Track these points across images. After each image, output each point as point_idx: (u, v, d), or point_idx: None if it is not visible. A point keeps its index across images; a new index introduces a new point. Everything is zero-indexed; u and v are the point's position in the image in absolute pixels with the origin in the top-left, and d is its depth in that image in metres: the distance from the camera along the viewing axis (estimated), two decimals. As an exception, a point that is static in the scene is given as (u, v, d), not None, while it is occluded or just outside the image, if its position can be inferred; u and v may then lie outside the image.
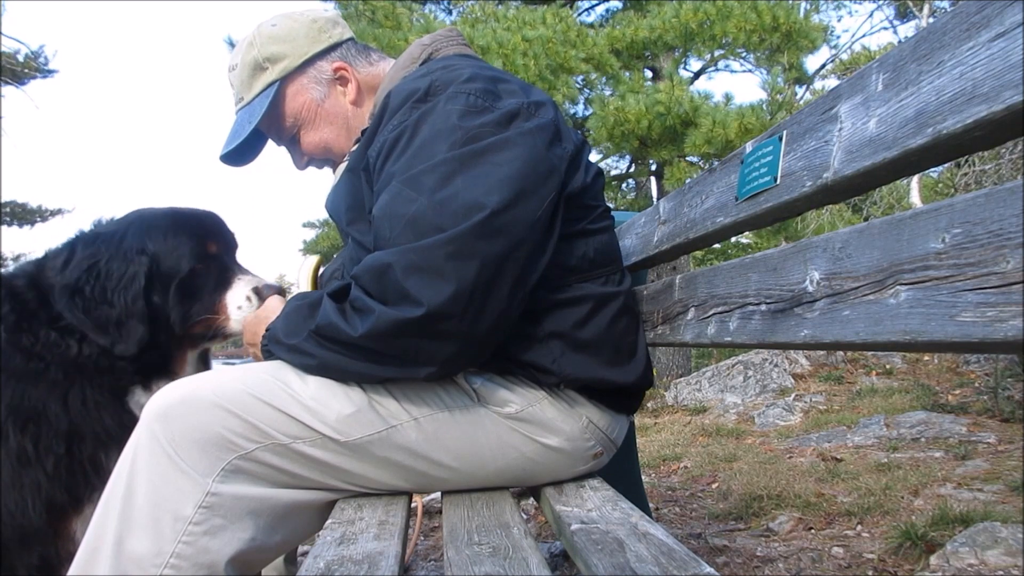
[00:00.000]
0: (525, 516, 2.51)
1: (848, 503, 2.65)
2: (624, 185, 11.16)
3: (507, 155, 1.11)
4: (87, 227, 1.60)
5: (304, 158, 1.56)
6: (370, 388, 1.17)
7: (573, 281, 1.26)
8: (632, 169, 10.38)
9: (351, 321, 1.08)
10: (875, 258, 0.77)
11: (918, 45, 0.75)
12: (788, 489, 2.85)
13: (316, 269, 1.60)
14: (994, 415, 3.98)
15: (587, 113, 8.48)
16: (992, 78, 0.64)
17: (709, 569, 0.79)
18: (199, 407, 1.09)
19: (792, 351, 5.98)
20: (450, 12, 9.64)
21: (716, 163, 1.37)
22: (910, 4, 11.21)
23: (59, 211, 17.51)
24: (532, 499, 2.35)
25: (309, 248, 17.54)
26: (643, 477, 2.73)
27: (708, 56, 9.26)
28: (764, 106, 7.29)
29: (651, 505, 2.79)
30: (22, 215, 17.08)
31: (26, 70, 14.11)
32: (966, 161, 6.20)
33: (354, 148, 1.43)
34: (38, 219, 17.37)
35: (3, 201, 16.30)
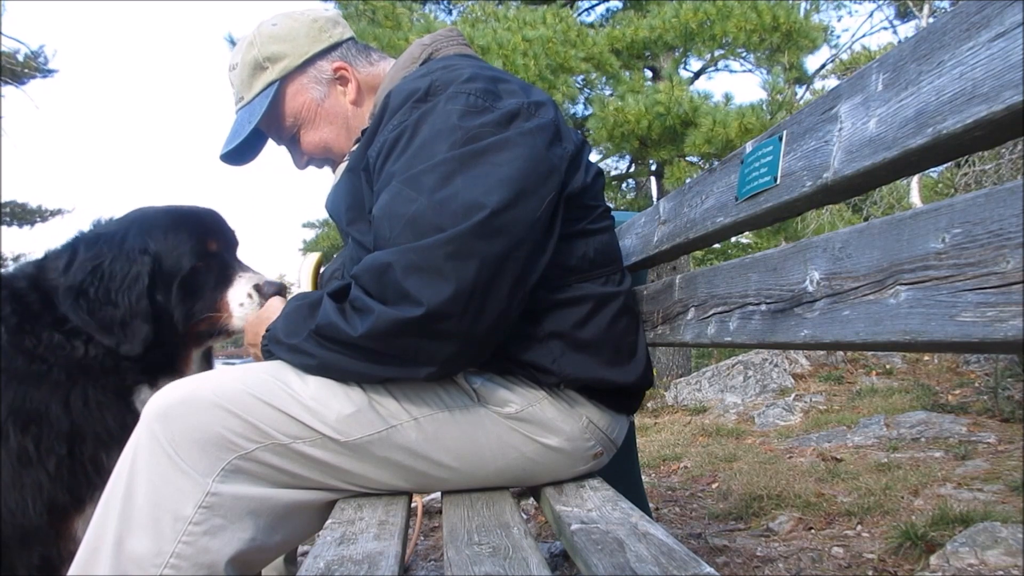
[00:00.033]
0: (525, 516, 2.51)
1: (848, 503, 2.65)
2: (624, 185, 11.16)
3: (507, 155, 1.11)
4: (87, 227, 1.60)
5: (304, 157, 1.56)
6: (370, 388, 1.17)
7: (573, 281, 1.26)
8: (632, 169, 10.38)
9: (351, 321, 1.08)
10: (875, 258, 0.77)
11: (918, 45, 0.75)
12: (788, 489, 2.85)
13: (317, 267, 1.60)
14: (994, 415, 3.98)
15: (587, 113, 8.48)
16: (992, 78, 0.64)
17: (709, 569, 0.79)
18: (199, 407, 1.09)
19: (792, 351, 5.98)
20: (450, 12, 9.64)
21: (716, 163, 1.37)
22: (910, 4, 11.21)
23: (59, 211, 17.53)
24: (532, 499, 2.35)
25: (309, 248, 17.55)
26: (643, 477, 2.73)
27: (708, 56, 9.26)
28: (764, 106, 7.29)
29: (651, 505, 2.79)
30: (22, 215, 17.09)
31: (26, 70, 14.11)
32: (966, 161, 6.20)
33: (354, 148, 1.43)
34: (38, 219, 17.37)
35: (3, 201, 16.30)
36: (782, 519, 2.55)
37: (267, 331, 1.22)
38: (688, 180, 1.79)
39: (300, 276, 1.60)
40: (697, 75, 10.31)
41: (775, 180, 1.05)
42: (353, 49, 1.51)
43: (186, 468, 1.06)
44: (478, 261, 1.03)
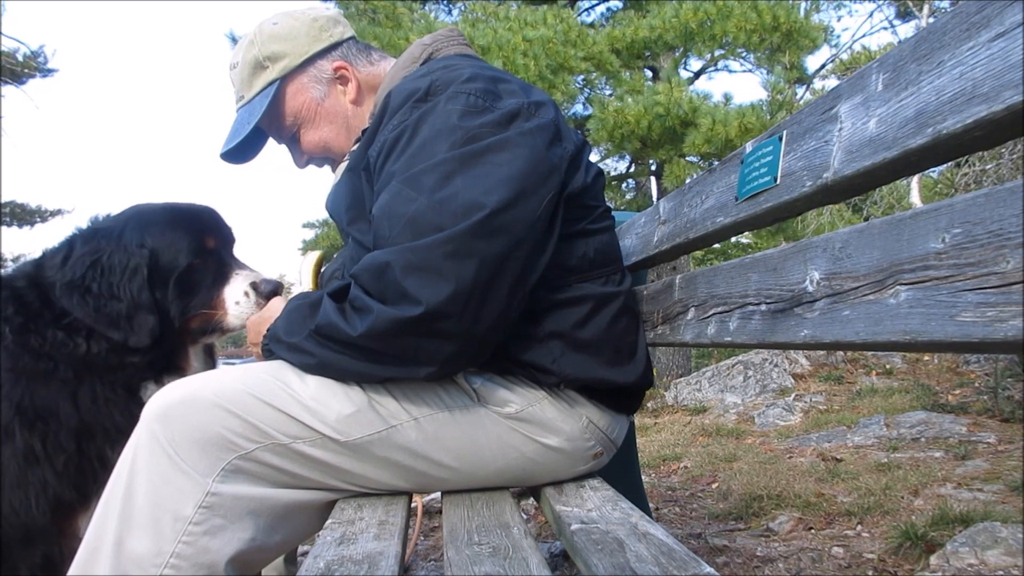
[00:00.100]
0: (525, 516, 2.51)
1: (848, 503, 2.65)
2: (624, 185, 11.15)
3: (507, 155, 1.11)
4: (84, 225, 1.60)
5: (304, 157, 1.56)
6: (370, 388, 1.17)
7: (573, 281, 1.26)
8: (632, 169, 10.38)
9: (350, 320, 1.08)
10: (875, 258, 0.77)
11: (918, 45, 0.75)
12: (788, 489, 2.85)
13: (318, 265, 1.60)
14: (994, 415, 3.98)
15: (587, 113, 8.48)
16: (992, 78, 0.64)
17: (709, 569, 0.79)
18: (199, 407, 1.09)
19: (792, 351, 5.98)
20: (451, 12, 9.64)
21: (716, 163, 1.37)
22: (910, 4, 11.21)
23: (59, 211, 17.53)
24: (532, 499, 2.35)
25: (309, 247, 17.55)
26: (643, 477, 2.73)
27: (708, 56, 9.26)
28: (764, 106, 7.29)
29: (651, 505, 2.79)
30: (22, 215, 17.09)
31: (25, 69, 14.11)
32: (966, 161, 6.20)
33: (354, 147, 1.43)
34: (38, 219, 17.37)
35: (3, 201, 16.30)
36: (782, 519, 2.55)
37: (268, 330, 1.22)
38: (688, 180, 1.79)
39: (301, 274, 1.60)
40: (697, 75, 10.31)
41: (775, 180, 1.05)
42: (354, 48, 1.51)
43: (186, 468, 1.06)
44: (478, 261, 1.03)
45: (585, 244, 1.28)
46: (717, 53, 8.78)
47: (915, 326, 0.70)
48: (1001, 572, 1.88)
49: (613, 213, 1.42)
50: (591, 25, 8.90)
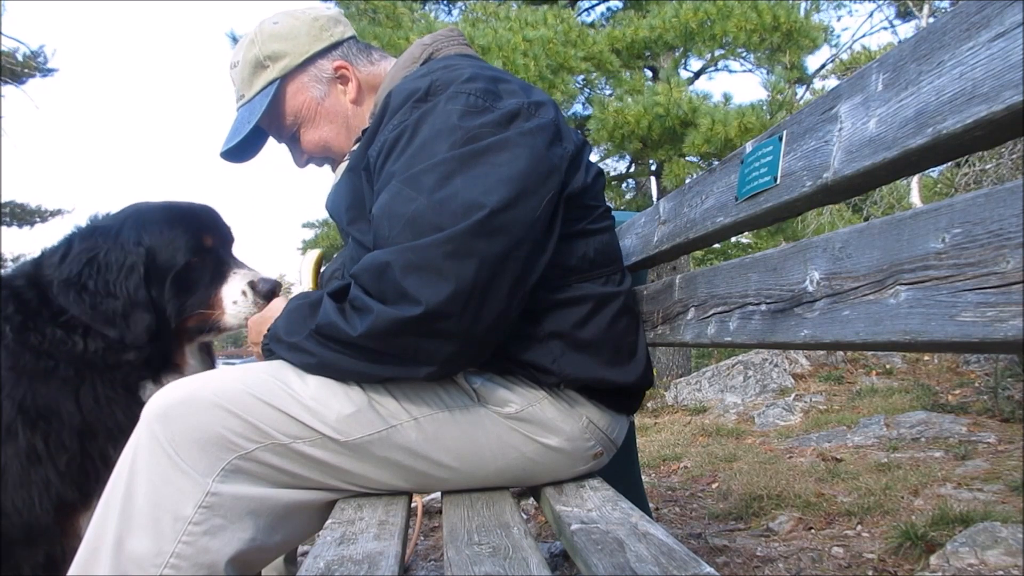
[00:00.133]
0: (525, 516, 2.51)
1: (848, 503, 2.65)
2: (624, 185, 11.15)
3: (507, 155, 1.11)
4: (84, 223, 1.60)
5: (304, 156, 1.56)
6: (370, 388, 1.17)
7: (573, 281, 1.26)
8: (632, 169, 10.38)
9: (350, 320, 1.08)
10: (875, 258, 0.77)
11: (918, 45, 0.75)
12: (788, 489, 2.85)
13: (318, 264, 1.60)
14: (994, 415, 3.98)
15: (587, 113, 8.48)
16: (992, 78, 0.64)
17: (709, 569, 0.79)
18: (199, 407, 1.09)
19: (792, 351, 5.98)
20: (451, 11, 9.64)
21: (716, 163, 1.37)
22: (910, 4, 11.21)
23: (59, 211, 17.53)
24: (532, 499, 2.36)
25: (309, 247, 17.54)
26: (643, 477, 2.73)
27: (708, 56, 9.25)
28: (764, 106, 7.28)
29: (651, 505, 2.79)
30: (22, 215, 17.09)
31: (25, 69, 14.11)
32: (966, 161, 6.20)
33: (355, 147, 1.43)
34: (38, 219, 17.38)
35: (3, 201, 16.30)
36: (782, 519, 2.56)
37: (268, 330, 1.22)
38: (688, 180, 1.79)
39: (301, 274, 1.59)
40: (697, 75, 10.31)
41: (775, 180, 1.05)
42: (354, 48, 1.51)
43: (186, 468, 1.06)
44: (477, 260, 1.03)
45: (585, 244, 1.28)
46: (717, 53, 8.78)
47: (915, 326, 0.70)
48: (1001, 572, 1.88)
49: (613, 213, 1.42)
50: (591, 25, 8.90)
